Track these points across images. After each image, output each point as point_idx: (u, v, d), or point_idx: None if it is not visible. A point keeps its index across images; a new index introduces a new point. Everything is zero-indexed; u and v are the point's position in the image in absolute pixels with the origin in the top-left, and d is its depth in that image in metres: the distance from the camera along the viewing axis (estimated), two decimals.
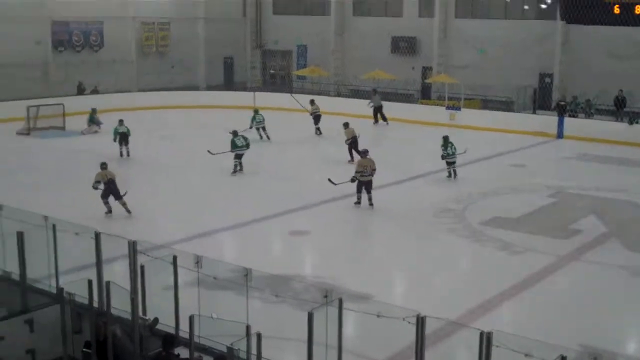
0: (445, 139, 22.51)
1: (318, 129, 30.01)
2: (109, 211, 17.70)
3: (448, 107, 33.63)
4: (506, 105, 36.23)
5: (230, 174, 22.20)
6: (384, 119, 33.55)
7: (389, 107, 33.63)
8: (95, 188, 17.79)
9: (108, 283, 9.12)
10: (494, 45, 38.19)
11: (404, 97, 38.60)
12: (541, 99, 35.00)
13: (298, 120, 32.74)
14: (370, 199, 18.70)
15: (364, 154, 19.64)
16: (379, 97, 34.66)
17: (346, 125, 25.08)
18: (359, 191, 18.79)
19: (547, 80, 37.04)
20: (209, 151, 23.11)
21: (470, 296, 12.95)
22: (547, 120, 30.99)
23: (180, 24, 43.32)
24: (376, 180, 19.15)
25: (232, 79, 46.48)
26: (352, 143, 24.53)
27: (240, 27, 47.32)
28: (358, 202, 18.84)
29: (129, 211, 17.58)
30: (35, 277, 10.66)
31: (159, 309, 9.87)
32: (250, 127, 27.92)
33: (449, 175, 22.46)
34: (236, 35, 46.82)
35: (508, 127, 30.80)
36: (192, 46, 43.94)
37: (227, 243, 16.56)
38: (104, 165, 18.16)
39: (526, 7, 38.28)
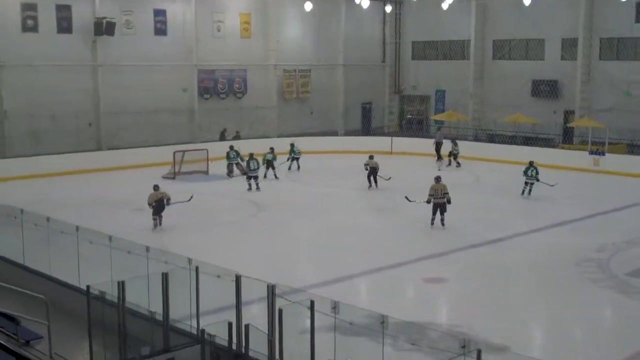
0: (530, 163, 26.26)
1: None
2: (155, 226, 21.05)
3: (591, 152, 32.56)
4: None
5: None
6: (439, 157, 34.76)
7: (528, 151, 32.92)
8: (150, 206, 21.14)
9: (247, 326, 9.34)
10: None
11: (545, 142, 37.75)
12: None
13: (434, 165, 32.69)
14: (442, 220, 21.06)
15: (437, 180, 21.62)
16: (441, 133, 36.19)
17: (371, 157, 27.55)
18: (433, 213, 21.10)
19: None
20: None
21: (614, 350, 12.40)
22: None
23: (320, 70, 44.27)
24: (515, 227, 18.78)
25: (369, 125, 46.89)
26: (371, 171, 27.47)
27: (379, 73, 47.85)
28: (432, 223, 21.15)
29: (160, 224, 21.11)
30: (177, 317, 11.04)
31: (295, 352, 9.99)
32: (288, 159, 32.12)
33: (522, 193, 25.84)
34: (374, 80, 47.36)
35: None
36: (331, 92, 44.77)
37: (363, 288, 16.60)
38: (156, 187, 21.49)
39: None
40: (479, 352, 7.88)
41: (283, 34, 42.50)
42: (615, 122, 35.63)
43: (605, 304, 15.42)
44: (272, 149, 30.34)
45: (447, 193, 21.17)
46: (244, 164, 29.62)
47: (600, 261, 17.84)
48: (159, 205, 21.17)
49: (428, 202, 21.22)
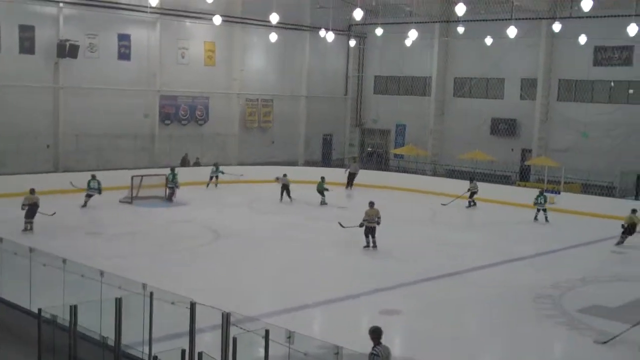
0: (541, 191, 29.39)
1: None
2: (26, 229, 22.47)
3: (547, 191, 33.07)
4: (608, 190, 35.39)
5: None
6: (350, 185, 36.61)
7: (486, 188, 33.37)
8: (22, 209, 22.65)
9: (200, 353, 9.26)
10: (597, 129, 37.67)
11: (502, 179, 38.30)
12: None
13: (395, 198, 32.92)
14: (374, 242, 22.32)
15: (370, 205, 22.69)
16: (357, 165, 37.75)
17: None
18: (366, 236, 22.32)
19: None
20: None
21: None
22: None
23: (283, 101, 44.49)
24: (473, 261, 18.99)
25: (330, 156, 47.12)
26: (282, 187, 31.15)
27: (341, 106, 48.23)
28: (367, 246, 22.32)
29: (31, 229, 22.55)
30: (129, 343, 10.91)
31: None
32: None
33: (535, 218, 28.70)
34: (336, 113, 47.71)
35: (609, 212, 29.99)
36: (293, 122, 45.01)
37: (319, 319, 16.55)
38: (32, 191, 23.11)
39: (631, 91, 37.67)
40: None
41: (247, 63, 42.71)
42: (571, 162, 36.31)
43: (558, 340, 15.57)
44: (322, 178, 31.82)
45: (380, 217, 22.42)
46: (177, 190, 30.71)
47: (554, 297, 18.06)
48: (31, 209, 22.67)
49: (361, 225, 22.47)
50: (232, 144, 41.78)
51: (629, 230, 25.27)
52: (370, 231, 22.37)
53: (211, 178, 35.20)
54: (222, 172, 35.32)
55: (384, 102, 47.16)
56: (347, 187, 36.63)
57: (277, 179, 32.09)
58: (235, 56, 41.90)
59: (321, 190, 31.38)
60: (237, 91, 42.12)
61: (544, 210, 29.14)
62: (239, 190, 34.07)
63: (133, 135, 37.30)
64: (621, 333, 14.83)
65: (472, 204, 32.56)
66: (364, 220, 22.43)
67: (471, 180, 33.72)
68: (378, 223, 22.43)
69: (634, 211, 25.67)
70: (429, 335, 15.08)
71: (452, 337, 15.07)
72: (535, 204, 29.45)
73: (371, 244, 22.39)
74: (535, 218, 29.14)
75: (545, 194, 29.83)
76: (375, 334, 10.22)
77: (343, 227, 23.65)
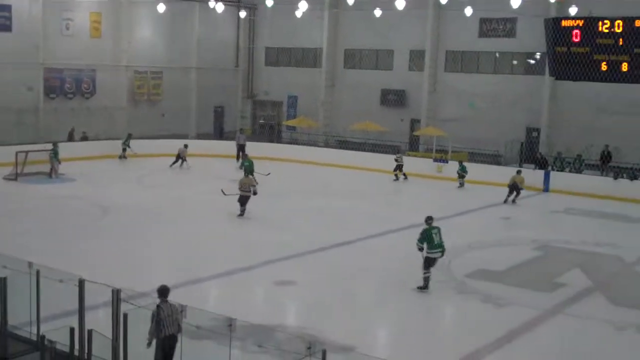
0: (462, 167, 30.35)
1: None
2: None
3: (435, 160, 33.90)
4: (494, 159, 36.55)
5: None
6: (243, 157, 34.25)
7: (378, 158, 33.92)
8: None
9: (90, 331, 9.12)
10: (483, 100, 38.73)
11: (392, 149, 38.91)
12: (528, 152, 35.37)
13: (287, 170, 33.05)
14: (243, 211, 23.22)
15: (245, 175, 24.78)
16: (244, 136, 37.22)
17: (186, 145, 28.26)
18: (241, 204, 23.15)
19: (534, 134, 37.48)
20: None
21: (453, 348, 12.96)
22: (534, 175, 31.21)
23: (173, 73, 43.74)
24: (364, 230, 19.41)
25: (222, 128, 46.76)
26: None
27: (232, 77, 47.82)
28: (241, 214, 23.17)
29: None
30: (16, 323, 10.63)
31: (141, 357, 9.85)
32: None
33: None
34: (227, 84, 47.26)
35: (495, 180, 31.03)
36: (183, 95, 44.32)
37: (212, 292, 16.51)
38: None
39: (515, 62, 38.87)
40: (324, 353, 8.06)
41: (135, 34, 41.76)
42: (458, 131, 37.24)
43: (446, 304, 16.06)
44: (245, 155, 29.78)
45: (254, 186, 23.70)
46: (57, 165, 29.77)
47: (442, 263, 18.56)
48: None
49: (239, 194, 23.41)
50: (120, 117, 40.81)
51: (512, 189, 27.68)
52: (243, 200, 23.24)
53: (124, 150, 34.85)
54: (129, 146, 34.94)
55: (276, 74, 47.07)
56: (238, 159, 36.12)
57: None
58: (123, 27, 40.86)
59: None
60: (125, 63, 41.14)
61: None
62: (129, 165, 33.47)
63: (16, 109, 35.93)
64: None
65: (399, 177, 32.58)
66: (239, 189, 23.39)
67: (397, 152, 34.08)
68: (254, 193, 23.45)
69: (518, 172, 28.39)
70: (322, 305, 15.28)
71: (344, 306, 15.33)
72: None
73: (242, 212, 23.26)
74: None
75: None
76: (160, 292, 10.37)
77: (225, 194, 24.10)
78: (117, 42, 40.82)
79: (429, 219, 16.58)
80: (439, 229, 16.42)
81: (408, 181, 32.19)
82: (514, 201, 27.90)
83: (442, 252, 16.36)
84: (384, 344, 13.91)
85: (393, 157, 33.06)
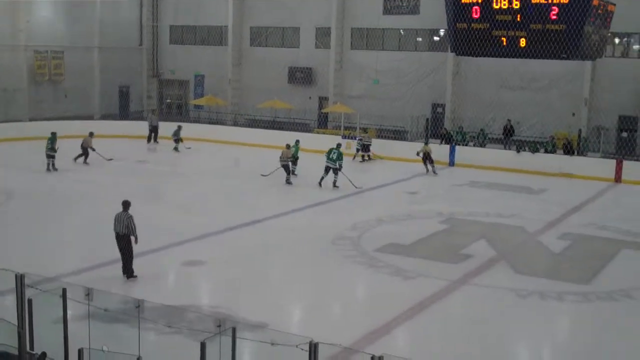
0: (337, 145, 26.71)
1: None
2: None
3: (344, 137, 34.13)
4: (400, 134, 37.07)
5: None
6: (155, 139, 35.85)
7: (284, 136, 33.87)
8: None
9: None
10: (388, 76, 39.18)
11: (301, 127, 39.07)
12: (434, 128, 36.04)
13: (198, 150, 32.77)
14: (288, 179, 26.03)
15: (287, 146, 26.66)
16: (156, 117, 37.28)
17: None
18: (287, 172, 26.05)
19: (439, 110, 38.18)
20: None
21: (364, 322, 13.15)
22: (440, 149, 31.82)
23: (75, 52, 42.55)
24: (273, 209, 19.41)
25: (127, 109, 45.88)
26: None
27: (136, 56, 46.91)
28: (289, 181, 26.11)
29: None
30: None
31: (49, 343, 9.64)
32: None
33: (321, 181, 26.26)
34: (132, 64, 46.36)
35: (401, 155, 31.51)
36: (86, 75, 43.24)
37: (120, 274, 16.23)
38: None
39: (419, 39, 39.40)
40: (233, 330, 8.07)
41: (34, 13, 40.40)
42: (365, 108, 37.64)
43: (358, 278, 16.27)
44: (297, 141, 28.61)
45: (290, 156, 26.30)
46: None
47: (353, 239, 18.81)
48: None
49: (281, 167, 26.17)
50: (21, 99, 39.54)
51: (425, 159, 29.24)
52: (286, 169, 26.04)
53: (176, 141, 33.40)
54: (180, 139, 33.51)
55: (181, 52, 46.43)
56: (149, 141, 35.68)
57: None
58: (19, 5, 39.51)
59: (295, 157, 27.84)
60: (24, 43, 39.82)
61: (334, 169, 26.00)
62: (31, 150, 32.43)
63: None
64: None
65: (366, 158, 32.41)
66: (280, 160, 26.20)
67: (364, 131, 33.93)
68: (294, 162, 26.88)
69: (426, 143, 30.22)
70: (234, 284, 15.24)
71: (256, 284, 15.34)
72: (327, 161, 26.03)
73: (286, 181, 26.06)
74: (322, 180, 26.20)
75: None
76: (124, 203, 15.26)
77: (266, 175, 26.23)
78: (14, 21, 39.45)
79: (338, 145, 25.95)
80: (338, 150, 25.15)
81: (314, 157, 32.32)
82: (434, 172, 29.23)
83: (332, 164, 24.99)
84: (296, 320, 13.98)
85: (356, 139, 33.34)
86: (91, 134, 29.80)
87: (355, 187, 25.46)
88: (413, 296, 14.64)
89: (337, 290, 15.37)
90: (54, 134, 27.60)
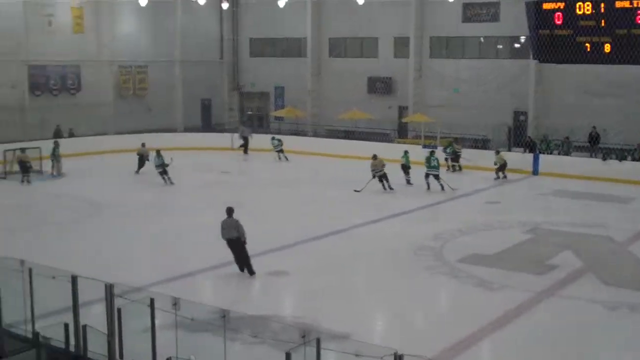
0: (432, 152, 27.84)
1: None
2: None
3: (424, 146, 33.83)
4: (482, 143, 36.56)
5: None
6: (245, 151, 36.60)
7: (364, 146, 33.83)
8: None
9: (84, 327, 9.09)
10: (469, 85, 38.74)
11: (381, 137, 38.93)
12: (516, 136, 35.42)
13: (279, 161, 33.05)
14: (389, 186, 26.38)
15: (374, 157, 26.67)
16: (248, 129, 37.77)
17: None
18: (380, 182, 26.25)
19: (522, 117, 37.53)
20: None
21: (449, 333, 12.97)
22: (523, 158, 31.29)
23: (158, 67, 43.52)
24: (354, 219, 19.58)
25: (209, 121, 46.64)
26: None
27: (218, 70, 47.64)
28: (387, 188, 26.33)
29: None
30: (11, 321, 10.58)
31: (137, 351, 9.83)
32: None
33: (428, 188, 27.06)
34: (213, 77, 47.11)
35: (484, 164, 31.07)
36: (169, 89, 44.16)
37: (205, 284, 16.48)
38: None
39: (500, 46, 38.87)
40: (318, 341, 8.05)
41: (118, 29, 41.55)
42: (446, 117, 37.26)
43: (441, 290, 16.10)
44: (406, 152, 28.66)
45: (384, 165, 26.36)
46: (58, 163, 29.63)
47: (435, 249, 18.63)
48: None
49: (373, 177, 26.25)
50: (107, 113, 40.59)
51: (501, 167, 29.67)
52: (382, 178, 26.26)
53: (279, 152, 34.78)
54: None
55: (261, 65, 46.90)
56: (245, 152, 36.40)
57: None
58: (104, 22, 40.68)
59: (407, 166, 28.17)
60: (109, 58, 40.93)
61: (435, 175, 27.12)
62: (116, 162, 33.23)
63: (1, 107, 35.69)
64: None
65: (457, 168, 32.09)
66: (372, 172, 26.29)
67: (456, 140, 33.53)
68: (406, 172, 27.37)
69: (497, 152, 30.19)
70: (317, 293, 15.27)
71: (339, 294, 15.32)
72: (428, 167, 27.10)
73: (388, 187, 26.33)
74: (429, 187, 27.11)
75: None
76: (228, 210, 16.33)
77: (359, 190, 25.88)
78: (100, 37, 40.61)
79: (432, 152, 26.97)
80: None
81: (395, 167, 32.19)
82: (505, 176, 29.41)
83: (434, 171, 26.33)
84: (379, 330, 13.92)
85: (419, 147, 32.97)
86: (143, 145, 30.68)
87: (452, 190, 26.53)
88: (498, 307, 14.38)
89: (420, 301, 15.23)
90: (158, 152, 28.09)
